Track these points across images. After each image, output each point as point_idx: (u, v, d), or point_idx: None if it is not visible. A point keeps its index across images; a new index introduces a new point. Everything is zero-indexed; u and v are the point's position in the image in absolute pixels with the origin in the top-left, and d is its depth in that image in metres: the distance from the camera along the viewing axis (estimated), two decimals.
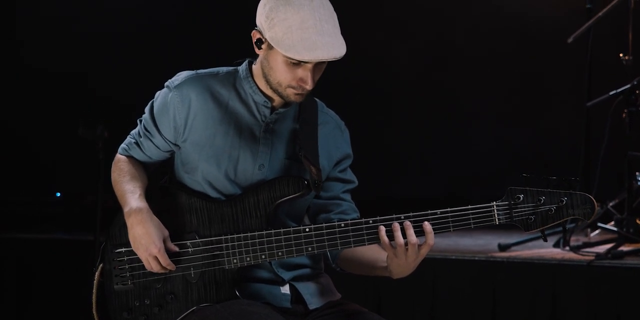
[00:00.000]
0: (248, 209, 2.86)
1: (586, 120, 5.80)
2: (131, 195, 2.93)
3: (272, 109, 2.93)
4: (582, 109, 5.79)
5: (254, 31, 2.83)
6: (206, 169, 2.91)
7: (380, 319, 2.87)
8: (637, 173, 5.33)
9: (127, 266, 2.94)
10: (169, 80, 2.98)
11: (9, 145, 6.93)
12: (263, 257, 2.83)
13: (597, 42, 5.80)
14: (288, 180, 2.85)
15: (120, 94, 6.77)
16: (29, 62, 7.01)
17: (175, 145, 2.97)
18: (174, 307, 2.88)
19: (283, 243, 2.82)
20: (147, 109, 3.01)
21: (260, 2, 2.83)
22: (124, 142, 3.09)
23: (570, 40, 5.63)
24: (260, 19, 2.80)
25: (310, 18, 2.73)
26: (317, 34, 2.72)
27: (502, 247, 5.23)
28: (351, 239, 2.78)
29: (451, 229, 2.73)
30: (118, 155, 3.08)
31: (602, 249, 5.01)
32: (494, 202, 2.73)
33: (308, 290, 2.96)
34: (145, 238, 2.84)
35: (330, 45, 2.73)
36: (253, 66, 2.95)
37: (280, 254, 2.82)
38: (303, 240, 2.81)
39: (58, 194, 6.71)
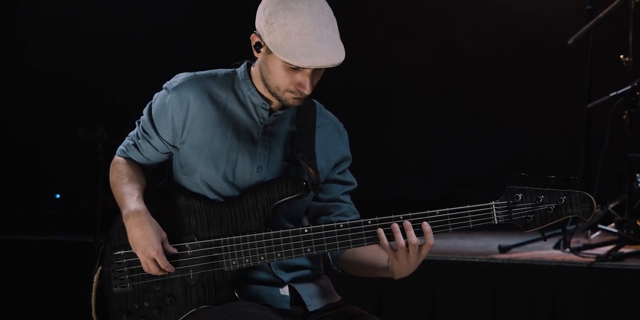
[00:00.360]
0: (246, 210, 2.86)
1: (586, 122, 5.80)
2: (129, 198, 2.92)
3: (271, 111, 2.93)
4: (583, 111, 5.79)
5: (252, 35, 2.83)
6: (204, 171, 2.91)
7: None
8: (637, 174, 5.33)
9: (126, 269, 2.93)
10: (167, 82, 2.97)
11: (9, 146, 6.92)
12: (262, 258, 2.82)
13: (597, 43, 5.79)
14: (286, 182, 2.85)
15: (119, 96, 6.78)
16: (28, 63, 7.01)
17: (174, 147, 2.96)
18: (173, 309, 2.88)
19: (282, 244, 2.81)
20: (145, 111, 3.01)
21: (260, 6, 2.82)
22: (122, 144, 3.08)
23: (570, 41, 5.62)
24: (260, 22, 2.80)
25: (310, 24, 2.72)
26: (316, 40, 2.72)
27: (503, 249, 5.23)
28: (350, 240, 2.78)
29: (450, 229, 2.73)
30: (116, 157, 3.08)
31: (602, 250, 5.01)
32: (493, 202, 2.72)
33: (307, 291, 2.96)
34: (144, 240, 2.83)
35: (329, 51, 2.73)
36: (252, 68, 2.94)
37: (279, 255, 2.82)
38: (302, 242, 2.80)
39: (58, 196, 6.70)
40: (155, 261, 2.84)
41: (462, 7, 7.20)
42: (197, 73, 2.98)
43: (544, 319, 4.74)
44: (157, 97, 2.98)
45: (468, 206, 2.72)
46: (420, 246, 2.73)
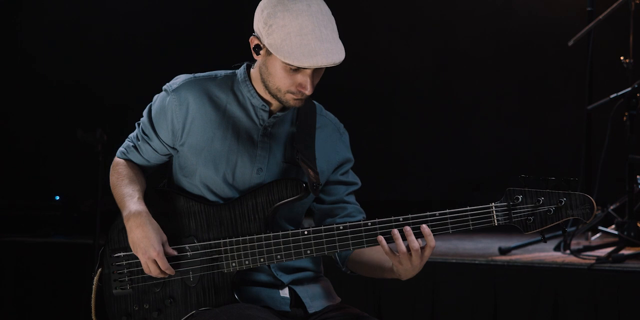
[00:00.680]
0: (246, 212, 2.86)
1: (587, 124, 5.80)
2: (130, 199, 2.92)
3: (270, 113, 2.93)
4: (583, 112, 5.78)
5: (251, 37, 2.83)
6: (204, 173, 2.90)
7: None
8: (637, 176, 5.32)
9: (125, 271, 2.93)
10: (167, 84, 2.97)
11: (8, 148, 6.92)
12: (262, 260, 2.82)
13: (598, 45, 5.80)
14: (286, 183, 2.85)
15: (118, 97, 6.78)
16: (28, 66, 7.02)
17: (173, 148, 2.96)
18: (173, 311, 2.87)
19: (282, 246, 2.81)
20: (145, 113, 3.01)
21: (258, 8, 2.82)
22: (122, 146, 3.08)
23: (571, 43, 5.62)
24: (258, 25, 2.79)
25: (309, 24, 2.72)
26: (316, 40, 2.71)
27: (503, 251, 5.22)
28: (350, 242, 2.77)
29: (450, 231, 2.73)
30: (116, 159, 3.08)
31: (603, 252, 5.01)
32: (493, 203, 2.72)
33: (307, 293, 2.95)
34: (144, 242, 2.83)
35: (329, 51, 2.72)
36: (251, 70, 2.94)
37: (279, 257, 2.81)
38: (302, 243, 2.80)
39: (57, 197, 6.70)
40: (155, 262, 2.83)
41: (463, 9, 7.21)
42: (197, 75, 2.97)
43: None
44: (157, 98, 2.98)
45: (468, 208, 2.72)
46: (422, 249, 2.72)
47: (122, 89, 6.86)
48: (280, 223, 2.92)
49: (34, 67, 7.01)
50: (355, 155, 3.07)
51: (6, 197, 6.78)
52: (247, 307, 2.80)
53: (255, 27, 2.82)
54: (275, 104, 2.91)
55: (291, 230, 2.82)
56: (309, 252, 2.80)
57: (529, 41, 7.07)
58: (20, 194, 6.88)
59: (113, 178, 3.03)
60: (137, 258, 2.88)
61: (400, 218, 2.74)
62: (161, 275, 2.86)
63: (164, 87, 2.97)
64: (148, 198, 2.95)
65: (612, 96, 5.38)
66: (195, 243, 2.87)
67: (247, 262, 2.82)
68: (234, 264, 2.83)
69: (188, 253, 2.87)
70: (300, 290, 2.94)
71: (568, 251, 5.10)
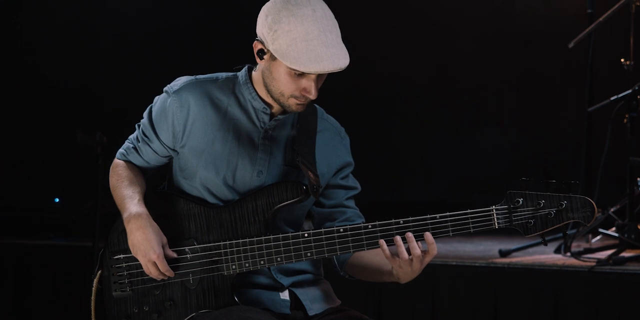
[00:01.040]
0: (246, 214, 2.85)
1: (587, 126, 5.80)
2: (130, 201, 2.92)
3: (271, 116, 2.92)
4: (584, 114, 5.78)
5: (255, 42, 2.82)
6: (204, 175, 2.90)
7: None
8: (638, 179, 5.32)
9: (125, 273, 2.93)
10: (168, 86, 2.97)
11: (8, 150, 6.92)
12: (262, 262, 2.82)
13: (598, 47, 5.79)
14: (286, 186, 2.84)
15: (118, 100, 6.78)
16: (29, 68, 7.01)
17: (174, 150, 2.96)
18: (172, 313, 2.87)
19: (282, 248, 2.81)
20: (145, 114, 3.00)
21: (261, 13, 2.81)
22: (121, 147, 3.08)
23: (571, 45, 5.62)
24: (262, 30, 2.78)
25: (314, 29, 2.72)
26: (321, 46, 2.71)
27: (503, 253, 5.22)
28: (350, 244, 2.77)
29: (450, 234, 2.72)
30: (116, 160, 3.08)
31: (603, 255, 5.00)
32: (493, 206, 2.72)
33: (307, 296, 2.95)
34: (145, 244, 2.83)
35: (335, 56, 2.72)
36: (253, 73, 2.94)
37: (279, 259, 2.81)
38: (302, 246, 2.80)
39: (57, 200, 6.70)
40: (155, 265, 2.83)
41: (463, 11, 7.20)
42: (198, 77, 2.97)
43: None
44: (158, 100, 2.98)
45: (469, 211, 2.72)
46: (423, 254, 2.72)
47: (122, 91, 6.85)
48: (281, 226, 2.92)
49: (34, 69, 7.01)
50: (355, 157, 3.06)
51: (6, 199, 6.78)
52: (247, 310, 2.80)
53: (259, 32, 2.81)
54: (276, 107, 2.91)
55: (291, 232, 2.82)
56: (309, 254, 2.79)
57: (529, 43, 7.07)
58: (20, 196, 6.87)
59: (113, 179, 3.02)
60: (137, 260, 2.88)
61: (401, 221, 2.73)
62: (161, 277, 2.86)
63: (165, 88, 2.97)
64: (148, 200, 2.95)
65: (612, 98, 5.37)
66: (195, 245, 2.86)
67: (247, 265, 2.82)
68: (234, 267, 2.83)
69: (188, 255, 2.86)
70: (300, 292, 2.94)
71: (568, 253, 5.10)
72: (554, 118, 7.05)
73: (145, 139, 2.98)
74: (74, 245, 5.83)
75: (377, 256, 2.90)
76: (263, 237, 2.82)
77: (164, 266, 2.83)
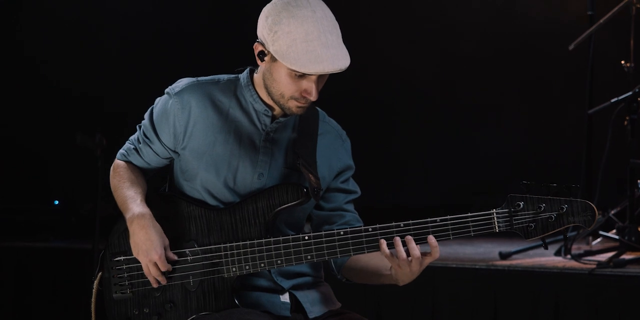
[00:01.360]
0: (247, 217, 2.85)
1: (588, 128, 5.79)
2: (132, 202, 2.92)
3: (273, 118, 2.92)
4: (584, 116, 5.78)
5: (256, 44, 2.82)
6: (205, 177, 2.90)
7: None
8: (638, 181, 5.31)
9: (126, 275, 2.93)
10: (170, 87, 2.97)
11: (8, 152, 6.92)
12: (262, 265, 2.82)
13: (598, 49, 5.79)
14: (287, 188, 2.84)
15: (118, 101, 6.77)
16: (28, 70, 7.01)
17: (175, 152, 2.96)
18: (172, 315, 2.87)
19: (282, 251, 2.80)
20: (146, 115, 3.00)
21: (262, 14, 2.81)
22: (122, 148, 3.08)
23: (571, 47, 5.62)
24: (263, 31, 2.79)
25: (315, 30, 2.72)
26: (321, 46, 2.71)
27: (503, 256, 5.22)
28: (350, 247, 2.77)
29: (451, 237, 2.72)
30: (117, 161, 3.07)
31: (603, 257, 5.00)
32: (494, 210, 2.72)
33: (308, 298, 2.95)
34: (147, 244, 2.83)
35: (335, 57, 2.72)
36: (254, 75, 2.93)
37: (279, 262, 2.81)
38: (302, 249, 2.79)
39: (56, 202, 6.70)
40: (156, 265, 2.83)
41: (463, 13, 7.20)
42: (200, 78, 2.97)
43: None
44: (159, 101, 2.98)
45: (469, 214, 2.71)
46: (423, 257, 2.72)
47: (122, 93, 6.85)
48: (282, 229, 2.92)
49: (34, 70, 7.00)
50: (355, 160, 3.06)
51: (5, 201, 6.78)
52: (247, 312, 2.80)
53: (259, 34, 2.81)
54: (277, 110, 2.91)
55: (292, 235, 2.81)
56: (309, 257, 2.79)
57: (529, 45, 7.06)
58: (20, 198, 6.87)
59: (114, 180, 3.02)
60: (137, 262, 2.88)
61: (401, 224, 2.73)
62: (160, 278, 2.85)
63: (167, 90, 2.96)
64: (149, 202, 2.94)
65: (613, 100, 5.37)
66: (195, 247, 2.86)
67: (247, 267, 2.82)
68: (234, 269, 2.83)
69: (188, 257, 2.86)
70: (300, 295, 2.94)
71: (569, 256, 5.10)
72: (555, 120, 7.04)
73: (146, 140, 2.98)
74: (74, 248, 5.84)
75: (375, 258, 2.90)
76: (263, 240, 2.82)
77: (164, 267, 2.83)
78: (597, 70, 5.81)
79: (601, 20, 5.56)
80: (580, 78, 6.01)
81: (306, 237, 2.79)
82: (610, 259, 4.86)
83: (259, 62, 2.84)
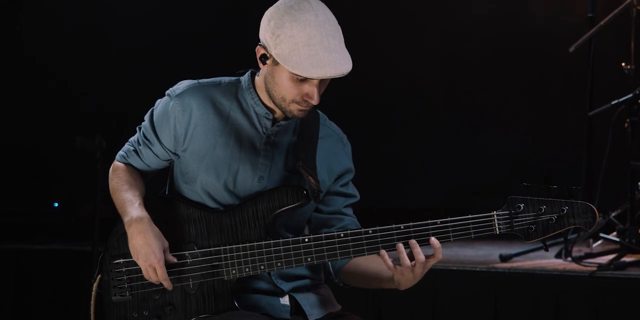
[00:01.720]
0: (247, 219, 2.85)
1: (588, 130, 5.79)
2: (131, 205, 2.92)
3: (274, 121, 2.92)
4: (584, 118, 5.77)
5: (258, 47, 2.81)
6: (205, 180, 2.90)
7: None
8: (639, 183, 5.31)
9: (125, 277, 2.93)
10: (170, 89, 2.96)
11: (7, 154, 6.91)
12: (262, 267, 2.81)
13: (599, 51, 5.78)
14: (287, 190, 2.84)
15: (118, 104, 6.77)
16: (28, 71, 7.01)
17: (175, 154, 2.95)
18: (172, 318, 2.87)
19: (282, 253, 2.80)
20: (147, 117, 3.00)
21: (264, 18, 2.81)
22: (122, 149, 3.07)
23: (572, 49, 5.61)
24: (265, 35, 2.78)
25: (317, 34, 2.71)
26: (324, 51, 2.71)
27: (504, 258, 5.21)
28: (350, 249, 2.76)
29: (451, 239, 2.72)
30: (116, 163, 3.07)
31: (604, 259, 5.00)
32: (495, 212, 2.71)
33: (308, 301, 2.95)
34: (146, 248, 2.83)
35: (337, 61, 2.72)
36: (256, 78, 2.93)
37: (279, 264, 2.80)
38: (302, 251, 2.79)
39: (56, 204, 6.69)
40: (155, 269, 2.82)
41: (463, 15, 7.20)
42: (201, 81, 2.97)
43: None
44: (160, 103, 2.97)
45: (470, 216, 2.71)
46: (427, 259, 2.72)
47: (122, 95, 6.85)
48: (282, 232, 2.91)
49: (34, 72, 7.00)
50: (355, 162, 3.06)
51: (5, 204, 6.78)
52: (247, 315, 2.80)
53: (261, 37, 2.81)
54: (278, 113, 2.91)
55: (292, 237, 2.81)
56: (309, 259, 2.79)
57: (530, 47, 7.06)
58: (19, 200, 6.87)
59: (113, 182, 3.02)
60: (136, 265, 2.88)
61: (402, 226, 2.73)
62: (166, 283, 2.85)
63: (168, 91, 2.96)
64: (148, 204, 2.94)
65: (613, 102, 5.37)
66: (195, 250, 2.86)
67: (247, 270, 2.82)
68: (234, 271, 2.82)
69: (188, 260, 2.86)
70: (300, 297, 2.94)
71: (569, 258, 5.09)
72: (555, 122, 7.04)
73: (147, 141, 2.98)
74: (73, 250, 5.83)
75: (374, 262, 2.89)
76: (263, 242, 2.81)
77: (163, 272, 2.82)
78: (597, 72, 5.80)
79: (602, 22, 5.55)
80: (581, 80, 6.01)
81: (306, 240, 2.79)
82: (611, 261, 4.86)
83: (260, 65, 2.84)
